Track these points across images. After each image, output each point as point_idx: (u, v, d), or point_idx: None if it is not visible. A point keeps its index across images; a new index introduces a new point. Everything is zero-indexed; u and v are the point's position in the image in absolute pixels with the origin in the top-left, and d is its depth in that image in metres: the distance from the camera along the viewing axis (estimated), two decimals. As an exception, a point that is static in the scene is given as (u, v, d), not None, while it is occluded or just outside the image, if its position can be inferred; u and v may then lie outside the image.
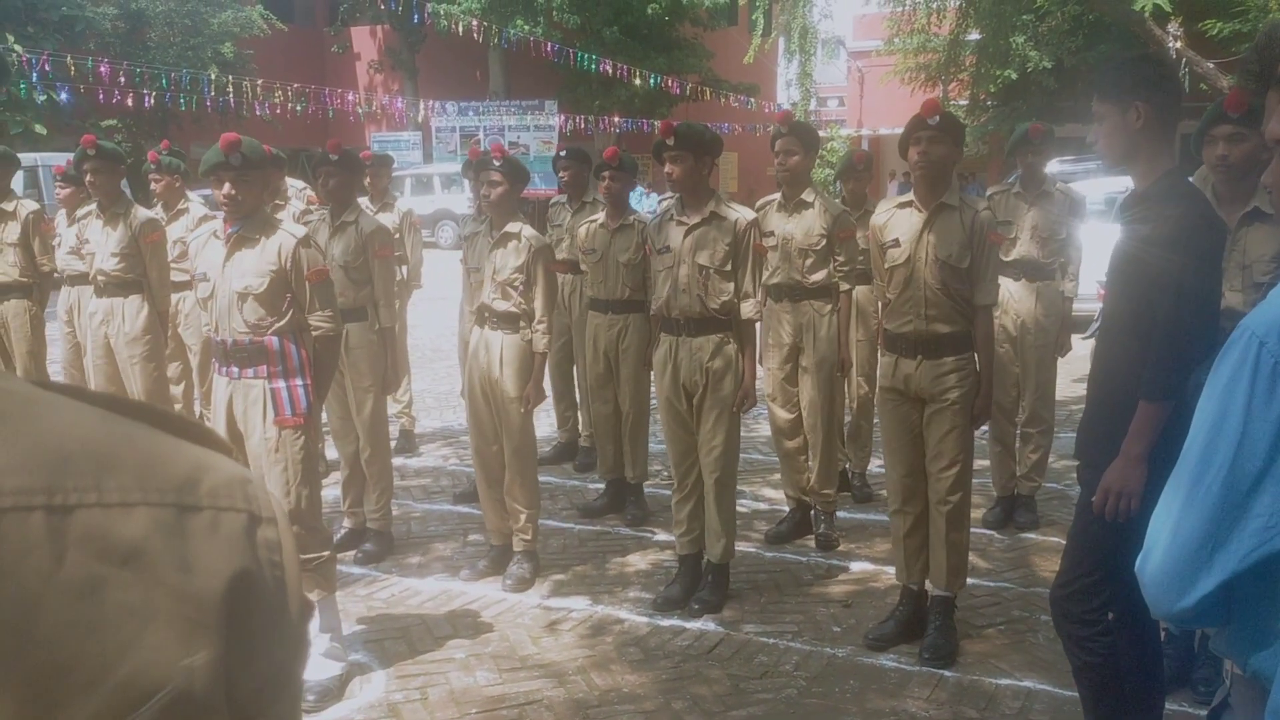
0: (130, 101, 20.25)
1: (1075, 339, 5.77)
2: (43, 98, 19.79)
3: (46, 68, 18.65)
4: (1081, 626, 2.93)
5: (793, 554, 5.12)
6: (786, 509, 5.45)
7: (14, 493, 0.48)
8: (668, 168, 4.30)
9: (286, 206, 6.52)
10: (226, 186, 3.61)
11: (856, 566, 4.95)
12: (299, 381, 3.70)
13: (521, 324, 4.58)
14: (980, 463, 5.33)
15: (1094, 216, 9.21)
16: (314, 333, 3.74)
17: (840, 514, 5.47)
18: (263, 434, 3.69)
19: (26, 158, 16.14)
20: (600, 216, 5.51)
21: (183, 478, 0.53)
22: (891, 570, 4.46)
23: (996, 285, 4.14)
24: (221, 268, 3.70)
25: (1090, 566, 2.89)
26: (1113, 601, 2.89)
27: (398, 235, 6.51)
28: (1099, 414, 2.91)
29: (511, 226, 4.57)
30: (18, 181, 15.62)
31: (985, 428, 4.90)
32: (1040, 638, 4.14)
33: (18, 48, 19.43)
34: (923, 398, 4.01)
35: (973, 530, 5.06)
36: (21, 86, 19.41)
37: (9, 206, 6.02)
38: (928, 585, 4.13)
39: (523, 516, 4.71)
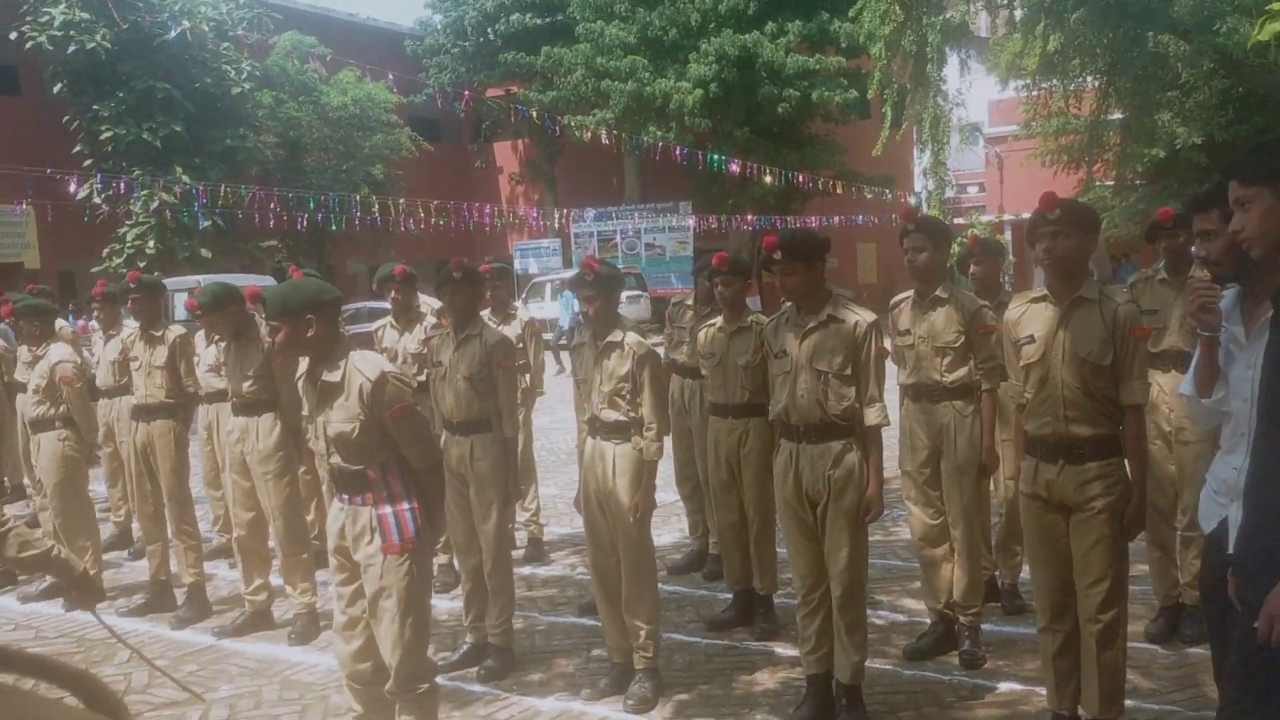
0: (287, 223, 21.48)
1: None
2: (206, 224, 21.12)
3: (204, 199, 19.92)
4: (1255, 769, 2.57)
5: (934, 672, 4.78)
6: (928, 621, 5.13)
7: None
8: (779, 281, 4.19)
9: (419, 323, 6.68)
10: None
11: (1005, 686, 4.59)
12: (405, 506, 3.63)
13: (632, 432, 4.48)
14: (1140, 568, 4.94)
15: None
16: (415, 465, 3.66)
17: (987, 627, 5.11)
18: (368, 561, 3.65)
19: (191, 280, 17.23)
20: (718, 320, 5.43)
21: None
22: (1045, 691, 4.10)
23: (1146, 384, 3.83)
24: (317, 409, 3.69)
25: (1256, 700, 2.56)
26: (1291, 741, 2.54)
27: (520, 345, 6.56)
28: (1259, 522, 2.60)
29: (614, 335, 4.51)
30: (182, 303, 16.58)
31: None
32: (1215, 770, 3.71)
33: (185, 178, 20.86)
34: (1067, 505, 3.72)
35: (1135, 645, 4.66)
36: (185, 214, 20.78)
37: (158, 331, 6.30)
38: (1081, 712, 3.78)
39: (643, 633, 4.54)
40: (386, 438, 3.61)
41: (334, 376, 3.60)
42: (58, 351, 6.36)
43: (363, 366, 3.59)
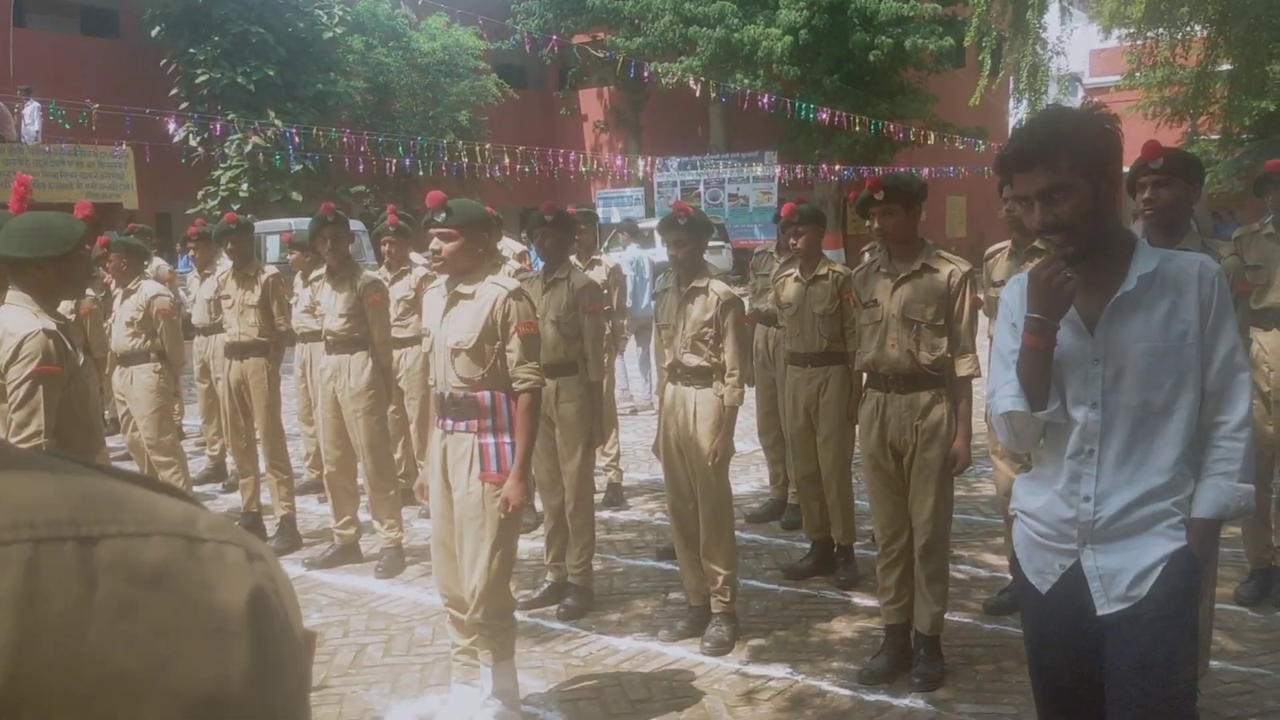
0: (376, 168, 21.76)
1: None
2: (297, 167, 21.48)
3: (297, 140, 20.22)
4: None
5: (1015, 627, 4.73)
6: (1009, 578, 5.08)
7: (46, 525, 0.52)
8: (878, 222, 4.14)
9: (503, 267, 6.74)
10: (434, 241, 3.72)
11: (1086, 643, 4.53)
12: (507, 439, 3.72)
13: (714, 378, 4.49)
14: (1232, 530, 4.82)
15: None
16: (518, 385, 3.74)
17: (1069, 584, 5.05)
18: (466, 488, 3.72)
19: (283, 223, 17.59)
20: (795, 270, 5.39)
21: (181, 516, 0.57)
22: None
23: (1242, 338, 3.72)
24: (440, 323, 3.81)
25: None
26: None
27: (605, 290, 6.59)
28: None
29: (700, 281, 4.52)
30: (274, 245, 16.92)
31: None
32: (1304, 736, 3.65)
33: (278, 122, 21.21)
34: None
35: (1224, 606, 4.60)
36: (277, 158, 21.15)
37: (251, 271, 6.46)
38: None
39: (720, 578, 4.58)
40: (493, 358, 3.71)
41: (468, 289, 3.76)
42: (151, 286, 6.54)
43: (501, 281, 3.80)
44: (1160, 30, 15.42)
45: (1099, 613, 2.26)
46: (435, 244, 3.72)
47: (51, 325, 3.23)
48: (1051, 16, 16.55)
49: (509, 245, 7.20)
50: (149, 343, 6.41)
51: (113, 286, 8.04)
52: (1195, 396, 2.24)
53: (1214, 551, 2.36)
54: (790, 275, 5.42)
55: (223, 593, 0.55)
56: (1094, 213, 2.20)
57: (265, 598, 0.57)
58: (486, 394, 3.72)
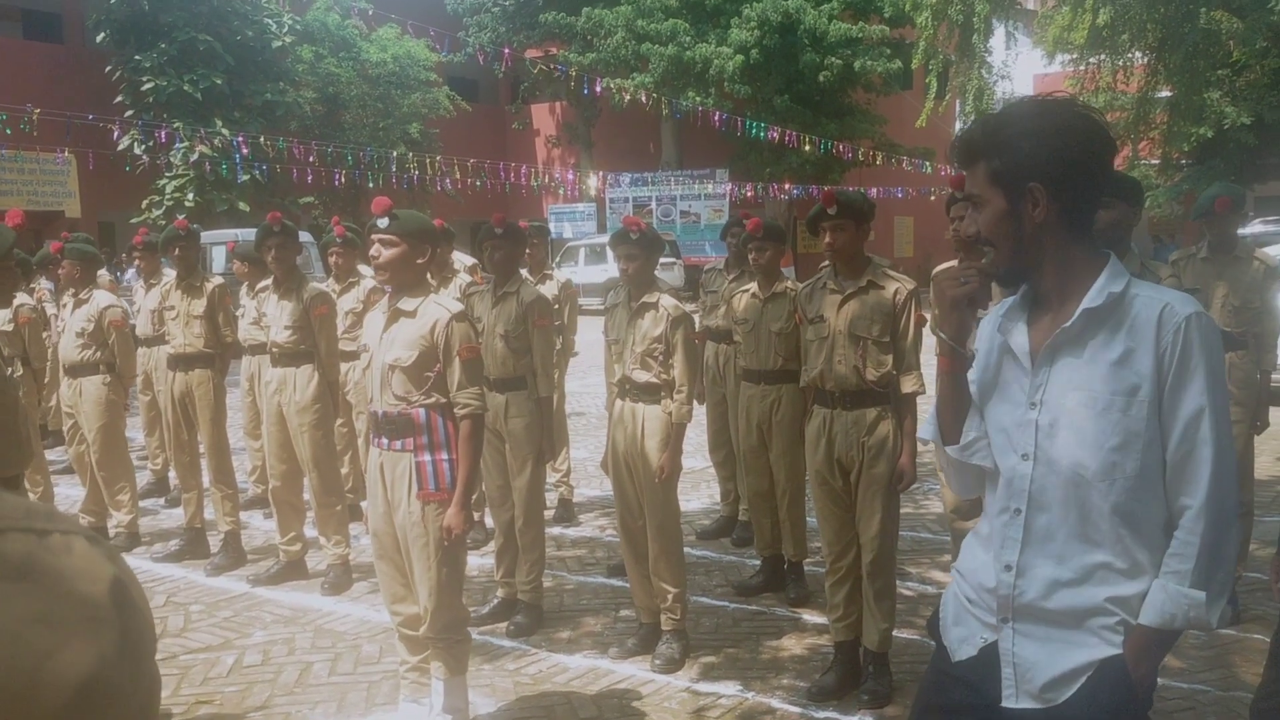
0: (324, 179, 21.55)
1: (1277, 414, 5.27)
2: (245, 177, 21.22)
3: (245, 150, 19.97)
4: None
5: (961, 643, 4.79)
6: (955, 593, 5.13)
7: None
8: (828, 237, 4.17)
9: (454, 279, 6.70)
10: (374, 246, 3.68)
11: (1031, 659, 4.58)
12: (445, 456, 3.68)
13: (663, 394, 4.50)
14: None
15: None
16: (460, 410, 3.69)
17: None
18: (407, 507, 3.69)
19: (228, 233, 17.36)
20: (753, 286, 5.41)
21: (24, 509, 0.57)
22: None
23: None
24: (379, 339, 3.76)
25: None
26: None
27: (557, 305, 6.57)
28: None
29: (649, 296, 4.52)
30: (220, 255, 16.66)
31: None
32: (1242, 751, 3.71)
33: (225, 131, 20.94)
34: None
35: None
36: (224, 167, 20.88)
37: (197, 282, 6.36)
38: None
39: (670, 595, 4.57)
40: (437, 379, 3.67)
41: (410, 306, 3.71)
42: (104, 297, 6.42)
43: (444, 303, 3.75)
44: (1102, 56, 15.74)
45: (1004, 703, 1.92)
46: (375, 249, 3.69)
47: None
48: (997, 41, 16.85)
49: (460, 258, 7.17)
50: (99, 354, 6.29)
51: (43, 301, 7.88)
52: (1145, 466, 1.83)
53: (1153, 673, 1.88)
54: (747, 291, 5.45)
55: (84, 582, 0.56)
56: (1015, 232, 1.87)
57: (123, 585, 0.59)
58: (421, 411, 3.67)
